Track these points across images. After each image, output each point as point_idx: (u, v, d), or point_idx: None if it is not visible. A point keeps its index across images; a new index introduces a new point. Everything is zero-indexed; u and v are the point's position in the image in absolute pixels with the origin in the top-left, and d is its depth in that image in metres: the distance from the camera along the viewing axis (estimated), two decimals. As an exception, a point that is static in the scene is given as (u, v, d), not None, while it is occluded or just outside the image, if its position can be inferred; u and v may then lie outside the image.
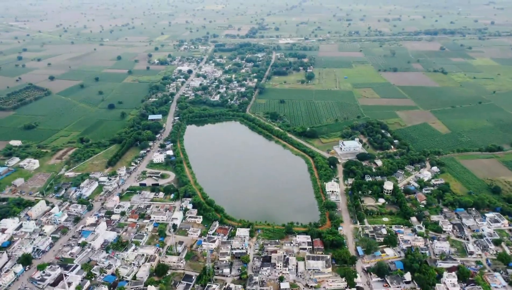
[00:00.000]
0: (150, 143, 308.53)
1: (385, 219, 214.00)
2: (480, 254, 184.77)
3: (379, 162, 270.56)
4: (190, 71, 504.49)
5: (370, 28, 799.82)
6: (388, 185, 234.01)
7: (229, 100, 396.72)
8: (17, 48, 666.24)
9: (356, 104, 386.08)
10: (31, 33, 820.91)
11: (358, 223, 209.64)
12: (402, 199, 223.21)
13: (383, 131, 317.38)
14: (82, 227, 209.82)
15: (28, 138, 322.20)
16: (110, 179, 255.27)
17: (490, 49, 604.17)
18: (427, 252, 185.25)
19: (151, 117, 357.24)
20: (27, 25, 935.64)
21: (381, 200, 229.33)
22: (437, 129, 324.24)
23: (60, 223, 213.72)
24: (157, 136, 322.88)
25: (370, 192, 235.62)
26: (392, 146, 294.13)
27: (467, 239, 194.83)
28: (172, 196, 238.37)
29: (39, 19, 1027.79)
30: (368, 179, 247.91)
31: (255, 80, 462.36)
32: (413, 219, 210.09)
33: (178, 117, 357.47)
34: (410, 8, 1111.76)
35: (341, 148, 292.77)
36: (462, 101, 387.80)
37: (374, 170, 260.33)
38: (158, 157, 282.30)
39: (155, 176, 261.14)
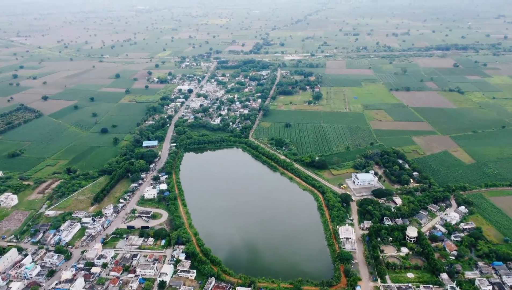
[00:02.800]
0: (143, 175, 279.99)
1: (410, 274, 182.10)
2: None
3: (398, 200, 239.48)
4: (190, 91, 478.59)
5: (379, 43, 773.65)
6: (412, 232, 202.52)
7: (230, 123, 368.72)
8: (14, 65, 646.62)
9: (368, 128, 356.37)
10: (31, 49, 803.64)
11: (379, 280, 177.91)
12: (429, 250, 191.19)
13: (400, 161, 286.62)
14: (56, 284, 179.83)
15: (11, 168, 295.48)
16: (94, 221, 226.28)
17: (506, 66, 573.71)
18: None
19: (145, 143, 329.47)
20: (28, 41, 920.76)
21: (404, 250, 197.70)
22: (459, 159, 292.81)
23: (31, 277, 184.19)
24: (151, 166, 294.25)
25: (390, 239, 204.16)
26: (412, 180, 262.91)
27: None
28: (163, 242, 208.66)
29: (41, 34, 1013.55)
30: (388, 222, 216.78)
31: (259, 100, 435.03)
32: (444, 276, 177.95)
33: (175, 144, 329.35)
34: (418, 22, 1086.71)
35: (354, 182, 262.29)
36: (483, 125, 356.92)
37: (393, 210, 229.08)
38: (150, 193, 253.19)
39: (145, 216, 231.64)
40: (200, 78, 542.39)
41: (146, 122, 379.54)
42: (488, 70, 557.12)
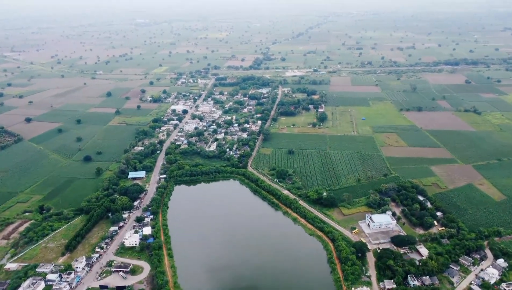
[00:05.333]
0: (125, 215, 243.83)
1: None
2: None
3: (423, 250, 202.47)
4: (185, 111, 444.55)
5: (384, 58, 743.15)
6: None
7: (227, 150, 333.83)
8: (2, 82, 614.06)
9: (379, 156, 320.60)
10: (23, 65, 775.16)
11: None
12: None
13: (420, 198, 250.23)
14: None
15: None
16: (61, 277, 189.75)
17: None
18: None
19: (132, 175, 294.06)
20: (21, 56, 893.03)
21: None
22: (487, 194, 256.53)
23: None
24: (136, 203, 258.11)
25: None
26: (436, 222, 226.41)
27: None
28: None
29: (35, 49, 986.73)
30: (413, 282, 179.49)
31: (259, 122, 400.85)
32: None
33: (164, 175, 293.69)
34: (423, 35, 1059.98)
35: (369, 225, 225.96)
36: (508, 151, 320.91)
37: (418, 263, 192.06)
38: (132, 239, 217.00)
39: (123, 271, 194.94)
40: (196, 97, 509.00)
41: (135, 148, 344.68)
42: (503, 87, 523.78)
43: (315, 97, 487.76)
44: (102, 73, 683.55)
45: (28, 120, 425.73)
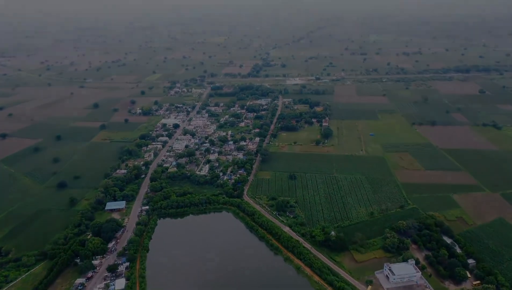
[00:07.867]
0: (96, 262, 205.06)
1: None
2: None
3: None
4: (176, 126, 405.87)
5: (390, 64, 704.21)
6: None
7: (221, 174, 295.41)
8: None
9: (393, 181, 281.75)
10: (10, 72, 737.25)
11: None
12: None
13: (447, 239, 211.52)
14: None
15: None
16: None
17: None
18: None
19: (109, 206, 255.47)
20: (10, 62, 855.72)
21: None
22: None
23: None
24: (110, 245, 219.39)
25: None
26: (468, 273, 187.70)
27: None
28: None
29: (26, 55, 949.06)
30: None
31: (257, 139, 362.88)
32: None
33: (147, 207, 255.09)
34: (428, 39, 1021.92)
35: (387, 277, 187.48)
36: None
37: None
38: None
39: None
40: (189, 109, 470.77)
41: (118, 171, 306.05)
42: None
43: (318, 109, 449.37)
44: (92, 81, 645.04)
45: (3, 136, 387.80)
